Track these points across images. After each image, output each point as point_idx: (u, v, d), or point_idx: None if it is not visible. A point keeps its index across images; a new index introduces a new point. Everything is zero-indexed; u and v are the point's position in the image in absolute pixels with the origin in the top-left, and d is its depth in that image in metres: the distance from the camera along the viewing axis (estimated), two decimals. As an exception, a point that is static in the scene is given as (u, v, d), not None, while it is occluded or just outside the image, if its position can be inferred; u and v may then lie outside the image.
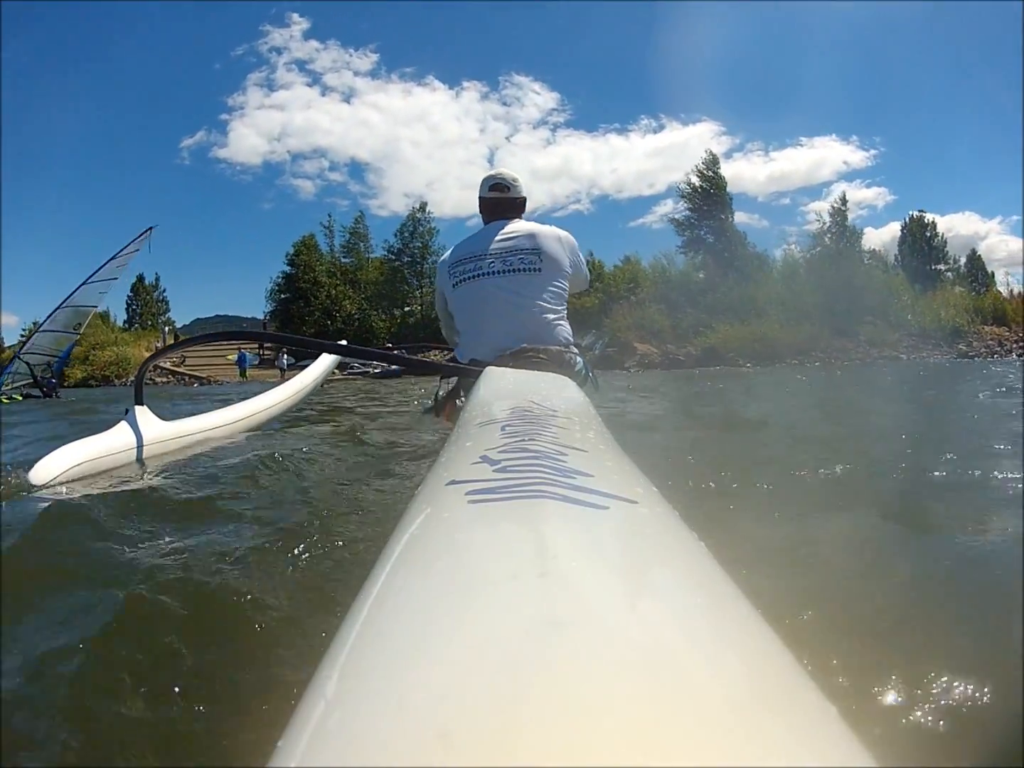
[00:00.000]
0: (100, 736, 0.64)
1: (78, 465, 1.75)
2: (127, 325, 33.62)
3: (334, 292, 31.26)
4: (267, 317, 32.54)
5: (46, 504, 1.54)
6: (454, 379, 1.98)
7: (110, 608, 0.92)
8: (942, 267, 30.65)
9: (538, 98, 66.09)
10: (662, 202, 59.01)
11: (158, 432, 2.15)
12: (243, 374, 21.71)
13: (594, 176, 64.98)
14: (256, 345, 25.08)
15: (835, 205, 27.52)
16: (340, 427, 3.45)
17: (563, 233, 1.96)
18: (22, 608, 0.92)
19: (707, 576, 0.31)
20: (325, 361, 3.90)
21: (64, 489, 1.68)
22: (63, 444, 1.81)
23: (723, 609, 0.27)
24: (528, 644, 0.21)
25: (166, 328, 32.06)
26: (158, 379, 22.53)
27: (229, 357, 22.79)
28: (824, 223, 27.20)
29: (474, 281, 1.85)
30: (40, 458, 1.72)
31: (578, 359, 1.87)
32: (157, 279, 36.93)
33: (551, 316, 1.85)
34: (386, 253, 33.58)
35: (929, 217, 32.16)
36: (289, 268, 32.18)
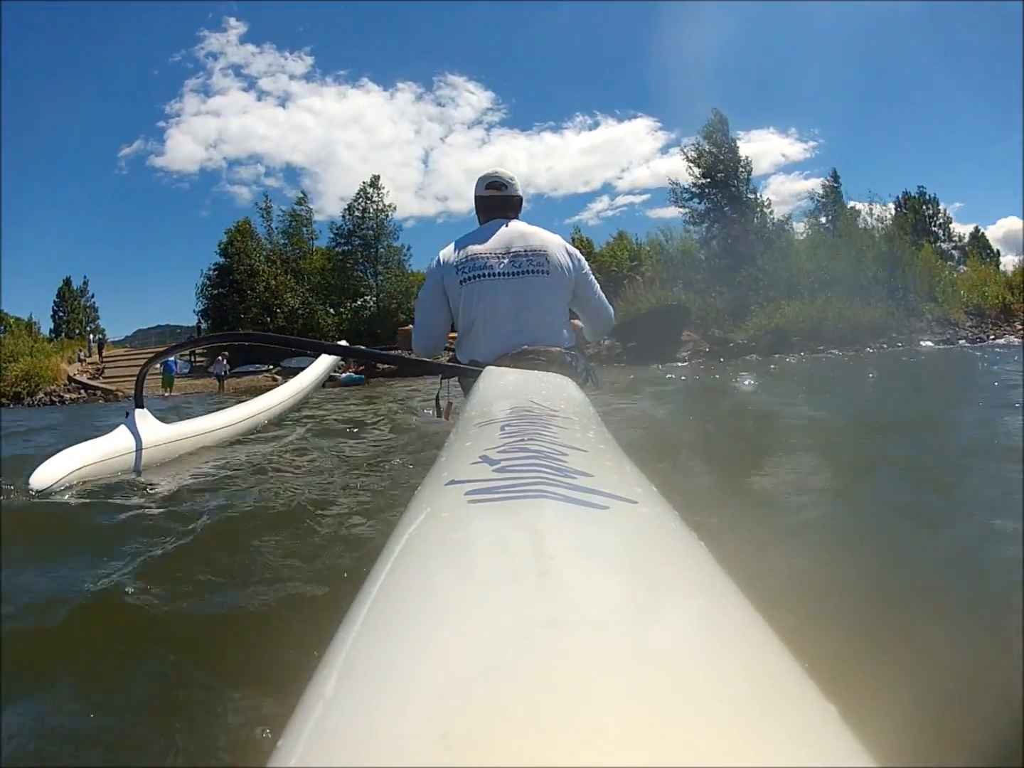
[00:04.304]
0: (101, 737, 0.64)
1: (78, 470, 1.75)
2: (53, 334, 29.83)
3: (273, 283, 26.61)
4: (199, 318, 28.32)
5: (45, 509, 1.54)
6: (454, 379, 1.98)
7: (109, 609, 0.92)
8: (947, 245, 28.96)
9: (472, 98, 66.74)
10: (598, 199, 59.46)
11: (158, 435, 2.15)
12: (167, 385, 16.95)
13: (529, 175, 65.61)
14: (187, 351, 21.69)
15: (827, 182, 25.98)
16: (340, 428, 3.45)
17: (572, 247, 1.96)
18: (20, 609, 0.92)
19: (707, 576, 0.31)
20: (324, 362, 3.90)
21: (64, 494, 1.68)
22: (63, 449, 1.81)
23: (723, 609, 0.27)
24: (528, 644, 0.21)
25: (92, 336, 28.41)
26: (66, 395, 19.00)
27: (157, 367, 16.98)
28: (818, 200, 25.56)
29: (483, 280, 1.82)
30: (39, 463, 1.72)
31: (580, 361, 1.87)
32: (85, 283, 33.49)
33: (556, 320, 1.84)
34: (333, 236, 28.73)
35: (930, 193, 30.53)
36: (222, 259, 27.41)
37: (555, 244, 1.90)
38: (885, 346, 15.12)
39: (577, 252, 1.97)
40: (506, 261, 1.82)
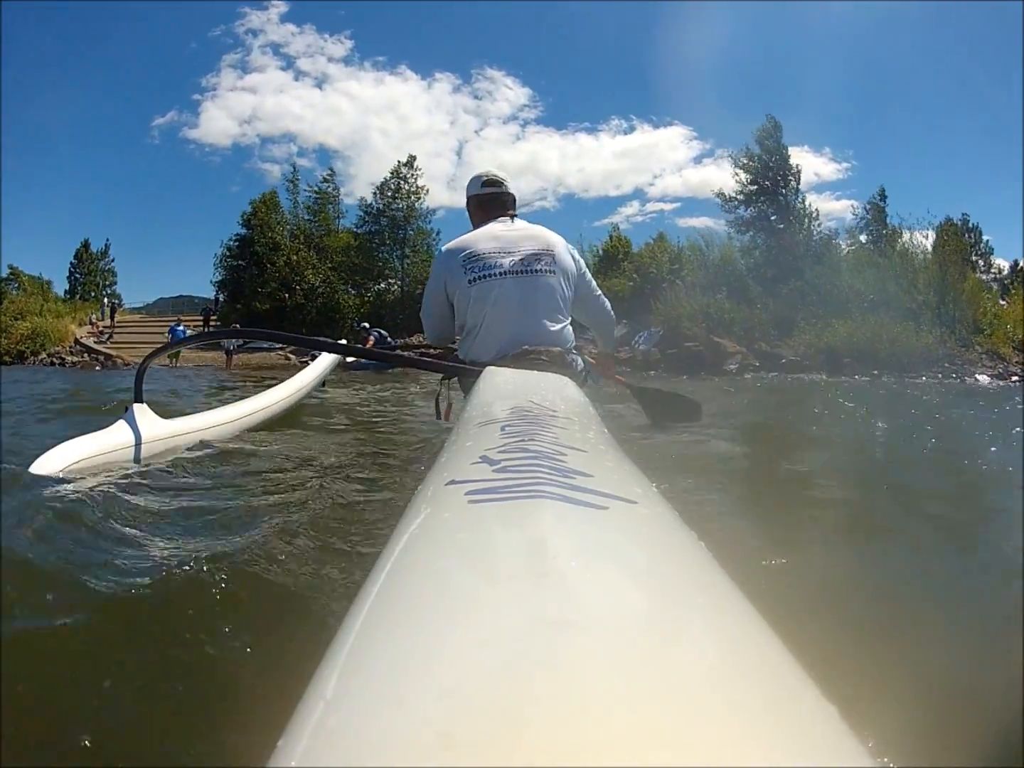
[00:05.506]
0: (100, 737, 0.64)
1: (76, 463, 1.74)
2: (69, 295, 29.12)
3: (295, 258, 24.88)
4: (216, 290, 26.74)
5: (43, 502, 1.54)
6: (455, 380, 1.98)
7: (108, 608, 0.92)
8: (985, 276, 26.87)
9: (510, 93, 65.95)
10: (628, 203, 59.67)
11: (158, 430, 2.14)
12: (173, 355, 16.25)
13: (561, 174, 65.52)
14: (201, 320, 21.81)
15: (873, 199, 23.75)
16: (341, 427, 3.44)
17: (572, 248, 1.96)
18: (19, 606, 0.92)
19: (706, 576, 0.31)
20: (326, 360, 3.90)
21: (61, 487, 1.67)
22: (60, 442, 1.81)
23: (722, 609, 0.27)
24: (528, 644, 0.21)
25: (106, 300, 27.80)
26: (68, 357, 18.79)
27: (167, 336, 17.20)
28: (861, 217, 23.38)
29: (492, 280, 1.80)
30: (37, 456, 1.72)
31: (579, 361, 1.87)
32: (107, 246, 32.48)
33: (560, 320, 1.84)
34: (361, 215, 26.88)
35: (973, 221, 28.76)
36: (244, 230, 25.78)
37: (560, 244, 1.89)
38: (940, 376, 14.02)
39: (576, 253, 1.96)
40: (516, 259, 1.80)
